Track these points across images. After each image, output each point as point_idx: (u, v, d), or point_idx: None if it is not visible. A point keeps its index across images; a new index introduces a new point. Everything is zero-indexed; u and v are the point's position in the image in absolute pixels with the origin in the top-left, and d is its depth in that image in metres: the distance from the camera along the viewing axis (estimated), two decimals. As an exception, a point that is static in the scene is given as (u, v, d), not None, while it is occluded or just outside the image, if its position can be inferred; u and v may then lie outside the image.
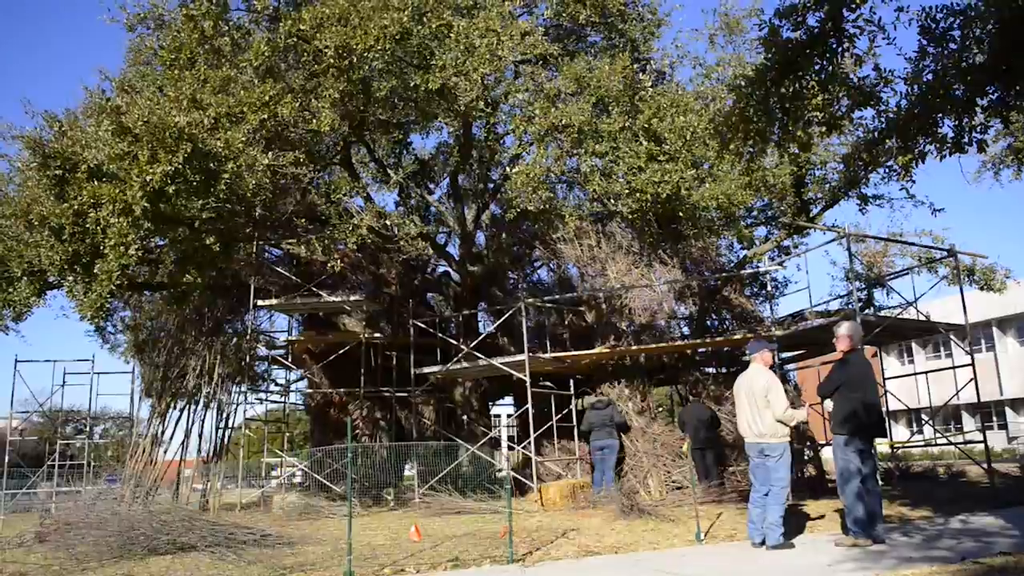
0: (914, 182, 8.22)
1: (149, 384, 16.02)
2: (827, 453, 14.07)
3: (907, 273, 15.36)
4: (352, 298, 15.20)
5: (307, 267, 15.88)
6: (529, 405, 12.91)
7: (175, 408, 15.45)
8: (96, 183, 9.25)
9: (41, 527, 9.84)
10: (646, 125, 11.23)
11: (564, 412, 14.41)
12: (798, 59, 6.50)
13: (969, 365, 11.49)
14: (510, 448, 19.54)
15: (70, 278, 9.88)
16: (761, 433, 6.97)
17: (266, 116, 10.48)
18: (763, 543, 6.91)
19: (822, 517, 9.01)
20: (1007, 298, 19.11)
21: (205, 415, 15.78)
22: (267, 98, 10.45)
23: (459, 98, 10.83)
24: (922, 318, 13.22)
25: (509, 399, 19.33)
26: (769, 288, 16.51)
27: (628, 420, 13.05)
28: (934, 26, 6.48)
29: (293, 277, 15.78)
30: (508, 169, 14.44)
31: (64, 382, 18.56)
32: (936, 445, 17.27)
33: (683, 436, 12.41)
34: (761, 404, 6.99)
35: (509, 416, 22.85)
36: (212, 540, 8.10)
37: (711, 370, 16.09)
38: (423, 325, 15.78)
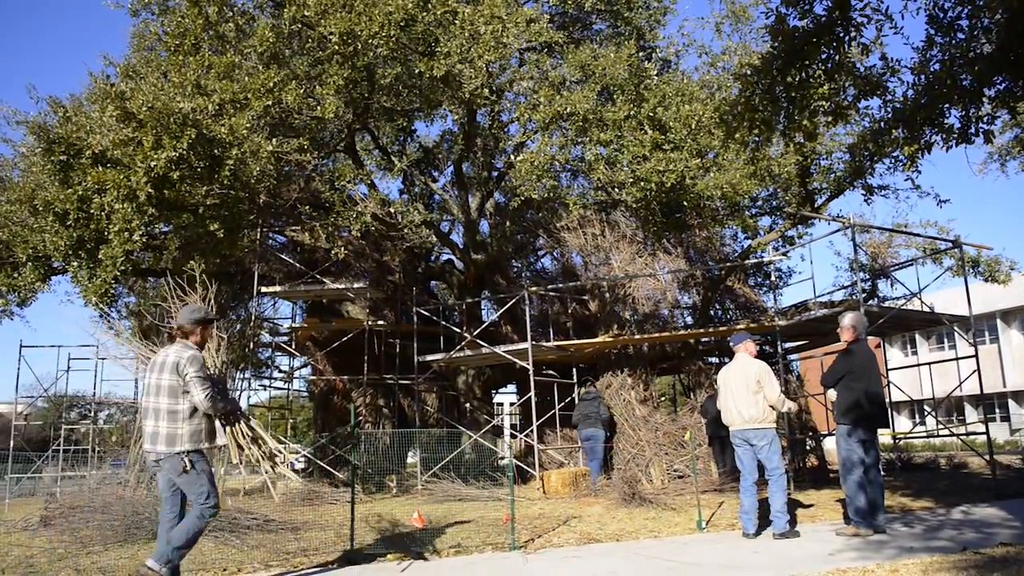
0: (920, 172, 8.19)
1: (153, 370, 16.05)
2: (829, 443, 14.10)
3: (911, 264, 15.32)
4: (355, 285, 15.22)
5: (311, 254, 15.90)
6: (532, 393, 12.94)
7: (179, 394, 15.48)
8: (100, 169, 9.26)
9: (46, 511, 9.89)
10: (651, 114, 11.19)
11: (567, 400, 14.44)
12: (805, 48, 6.46)
13: (972, 357, 11.47)
14: (513, 436, 19.60)
15: (74, 263, 9.90)
16: (751, 418, 6.99)
17: (270, 102, 10.46)
18: (757, 533, 6.93)
19: (813, 506, 9.03)
20: (1011, 290, 19.09)
21: (208, 401, 15.82)
22: (271, 84, 10.43)
23: (464, 85, 10.79)
24: (926, 309, 13.19)
25: (512, 387, 19.39)
26: (773, 278, 16.49)
27: (632, 410, 13.09)
28: (942, 15, 6.44)
29: (297, 264, 15.80)
30: (512, 157, 14.42)
31: (69, 367, 18.64)
32: (938, 436, 17.24)
33: (704, 420, 12.54)
34: (753, 389, 7.01)
35: (512, 404, 22.93)
36: (215, 525, 8.14)
37: (714, 360, 16.11)
38: (426, 313, 15.80)
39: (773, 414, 7.08)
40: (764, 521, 7.23)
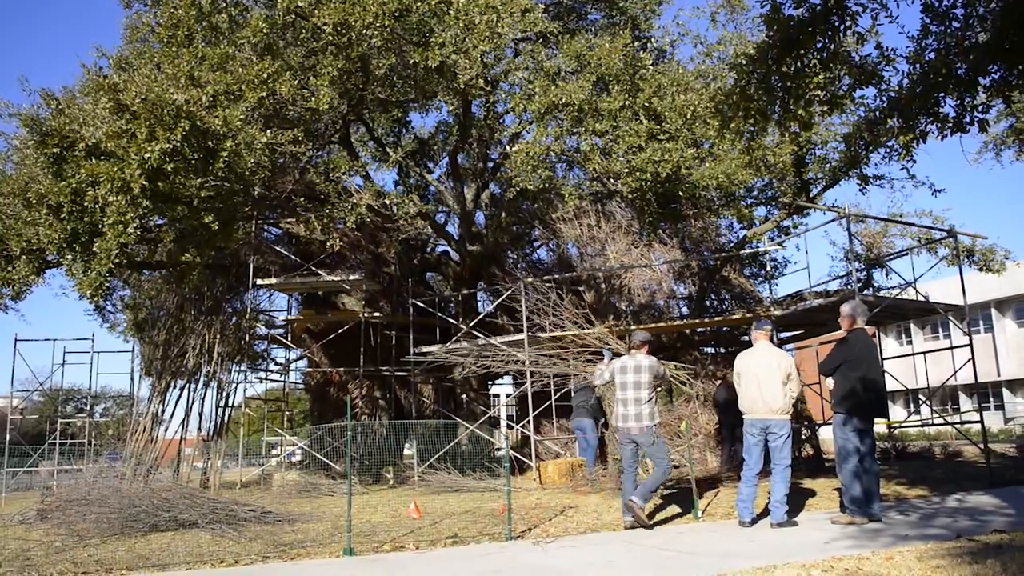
0: (915, 162, 8.17)
1: (149, 363, 16.07)
2: (825, 433, 14.14)
3: (906, 254, 15.35)
4: (351, 277, 15.19)
5: (306, 246, 15.86)
6: (528, 384, 12.95)
7: (175, 387, 15.50)
8: (94, 161, 9.21)
9: (43, 504, 9.90)
10: (646, 104, 11.16)
11: (563, 391, 14.44)
12: (800, 37, 6.45)
13: (967, 346, 11.51)
14: (509, 427, 19.64)
15: (69, 256, 9.86)
16: (777, 409, 6.96)
17: (264, 94, 10.42)
18: (754, 522, 6.94)
19: (809, 495, 9.06)
20: (1006, 279, 19.14)
21: (205, 394, 15.83)
22: (265, 76, 10.38)
23: (458, 76, 10.76)
24: (921, 299, 13.23)
25: (508, 378, 19.37)
26: (768, 268, 16.51)
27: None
28: (937, 4, 6.44)
29: (292, 256, 15.77)
30: (508, 148, 14.39)
31: (64, 361, 18.63)
32: (933, 425, 17.35)
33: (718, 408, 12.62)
34: (780, 381, 6.98)
35: (508, 395, 22.96)
36: (213, 517, 8.16)
37: (710, 350, 16.14)
38: (422, 304, 15.78)
39: (790, 406, 7.08)
40: (760, 511, 7.25)
